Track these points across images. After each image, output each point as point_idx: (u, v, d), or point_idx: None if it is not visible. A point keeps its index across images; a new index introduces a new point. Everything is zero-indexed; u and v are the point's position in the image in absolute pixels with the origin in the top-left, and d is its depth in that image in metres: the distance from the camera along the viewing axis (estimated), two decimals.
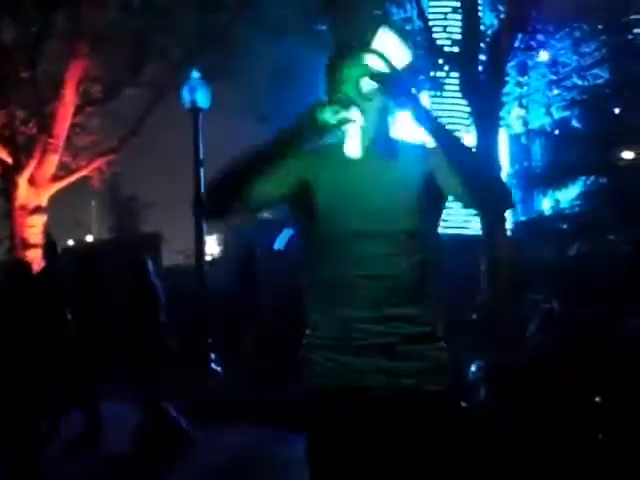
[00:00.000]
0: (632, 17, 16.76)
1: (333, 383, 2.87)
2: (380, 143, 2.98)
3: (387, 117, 3.01)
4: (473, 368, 9.43)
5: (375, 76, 2.79)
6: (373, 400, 2.83)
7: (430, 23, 11.53)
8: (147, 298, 8.48)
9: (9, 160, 15.28)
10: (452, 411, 2.89)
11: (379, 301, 2.83)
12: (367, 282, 2.83)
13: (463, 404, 7.50)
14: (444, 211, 3.05)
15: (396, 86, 2.79)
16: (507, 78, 11.29)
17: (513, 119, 19.88)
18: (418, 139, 3.07)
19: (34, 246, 15.19)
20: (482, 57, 10.64)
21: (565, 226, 17.87)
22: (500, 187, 2.83)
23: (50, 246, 9.86)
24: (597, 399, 6.37)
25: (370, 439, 2.84)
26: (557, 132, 18.61)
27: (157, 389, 8.53)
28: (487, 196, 2.81)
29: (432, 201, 2.92)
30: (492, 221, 2.47)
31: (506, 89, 12.17)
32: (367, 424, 2.84)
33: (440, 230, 3.06)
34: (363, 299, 2.83)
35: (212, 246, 31.66)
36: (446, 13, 15.31)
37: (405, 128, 3.45)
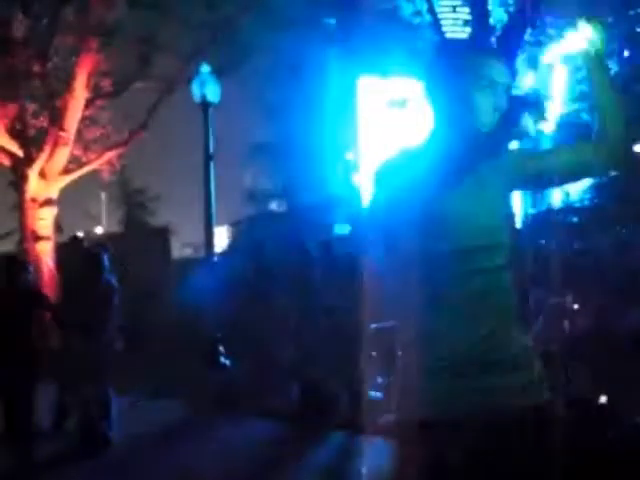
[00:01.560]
0: None
1: (454, 410, 2.73)
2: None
3: None
4: None
5: None
6: (503, 422, 2.72)
7: (439, 16, 11.52)
8: (99, 295, 8.35)
9: (20, 153, 15.33)
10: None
11: (490, 318, 2.76)
12: (476, 298, 2.75)
13: None
14: None
15: None
16: (517, 72, 11.26)
17: None
18: None
19: (44, 238, 15.26)
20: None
21: (575, 219, 17.83)
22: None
23: (75, 244, 9.75)
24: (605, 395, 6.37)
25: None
26: (567, 125, 18.55)
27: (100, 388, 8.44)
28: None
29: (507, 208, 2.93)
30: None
31: (516, 82, 12.16)
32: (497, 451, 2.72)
33: None
34: (474, 317, 2.75)
35: (222, 238, 31.69)
36: (455, 6, 15.29)
37: None
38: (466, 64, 2.83)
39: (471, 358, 2.72)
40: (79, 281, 8.54)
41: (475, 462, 2.72)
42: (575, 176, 3.03)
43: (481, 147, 2.74)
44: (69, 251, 9.58)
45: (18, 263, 8.19)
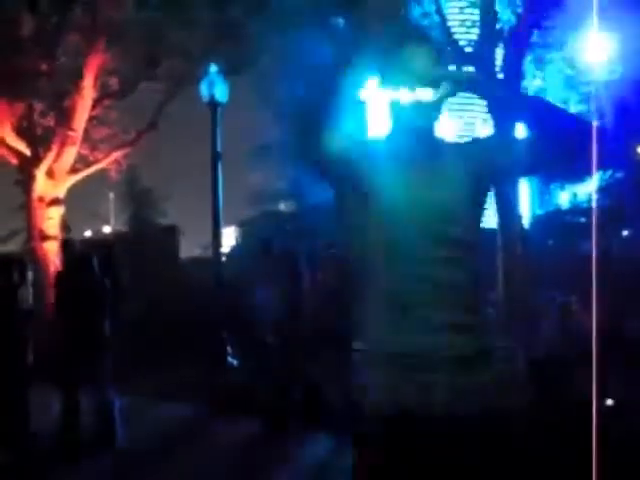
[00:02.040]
0: None
1: (397, 404, 2.69)
2: (430, 141, 2.88)
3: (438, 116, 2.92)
4: None
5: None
6: (440, 423, 2.66)
7: (448, 17, 11.52)
8: (93, 297, 8.37)
9: (27, 152, 15.35)
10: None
11: (443, 310, 2.69)
12: (430, 288, 2.69)
13: None
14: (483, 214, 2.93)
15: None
16: (524, 73, 11.24)
17: None
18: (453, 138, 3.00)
19: (51, 238, 15.28)
20: (499, 51, 10.63)
21: (583, 220, 17.84)
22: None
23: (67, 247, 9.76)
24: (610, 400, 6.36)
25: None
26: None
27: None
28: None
29: (477, 202, 2.85)
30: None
31: (523, 83, 12.13)
32: (437, 450, 2.68)
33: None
34: (426, 307, 2.69)
35: (230, 238, 31.73)
36: (462, 8, 15.28)
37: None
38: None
39: (413, 354, 2.67)
40: (71, 283, 8.56)
41: (401, 461, 2.68)
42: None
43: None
44: (63, 254, 9.59)
45: (15, 263, 8.25)
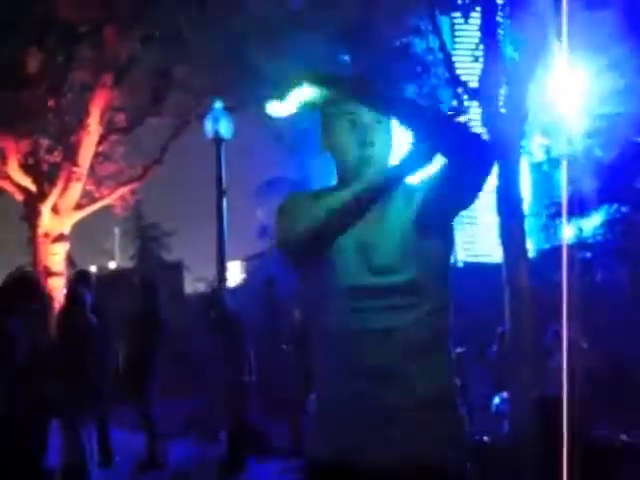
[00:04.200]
0: None
1: (332, 458, 2.64)
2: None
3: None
4: (497, 401, 9.39)
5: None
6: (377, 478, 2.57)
7: (453, 52, 11.57)
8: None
9: (33, 188, 15.39)
10: None
11: (383, 360, 2.60)
12: (370, 338, 2.62)
13: (486, 438, 7.44)
14: (450, 251, 2.80)
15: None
16: (527, 108, 11.23)
17: (535, 147, 19.76)
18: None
19: (56, 274, 15.26)
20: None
21: (589, 255, 17.78)
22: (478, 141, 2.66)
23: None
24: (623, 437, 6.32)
25: None
26: (580, 160, 18.54)
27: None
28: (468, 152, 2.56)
29: (432, 240, 2.69)
30: (477, 180, 2.30)
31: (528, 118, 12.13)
32: None
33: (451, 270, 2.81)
34: (366, 358, 2.61)
35: (235, 273, 31.70)
36: (466, 43, 15.35)
37: None
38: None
39: (359, 405, 2.61)
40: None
41: None
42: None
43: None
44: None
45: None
